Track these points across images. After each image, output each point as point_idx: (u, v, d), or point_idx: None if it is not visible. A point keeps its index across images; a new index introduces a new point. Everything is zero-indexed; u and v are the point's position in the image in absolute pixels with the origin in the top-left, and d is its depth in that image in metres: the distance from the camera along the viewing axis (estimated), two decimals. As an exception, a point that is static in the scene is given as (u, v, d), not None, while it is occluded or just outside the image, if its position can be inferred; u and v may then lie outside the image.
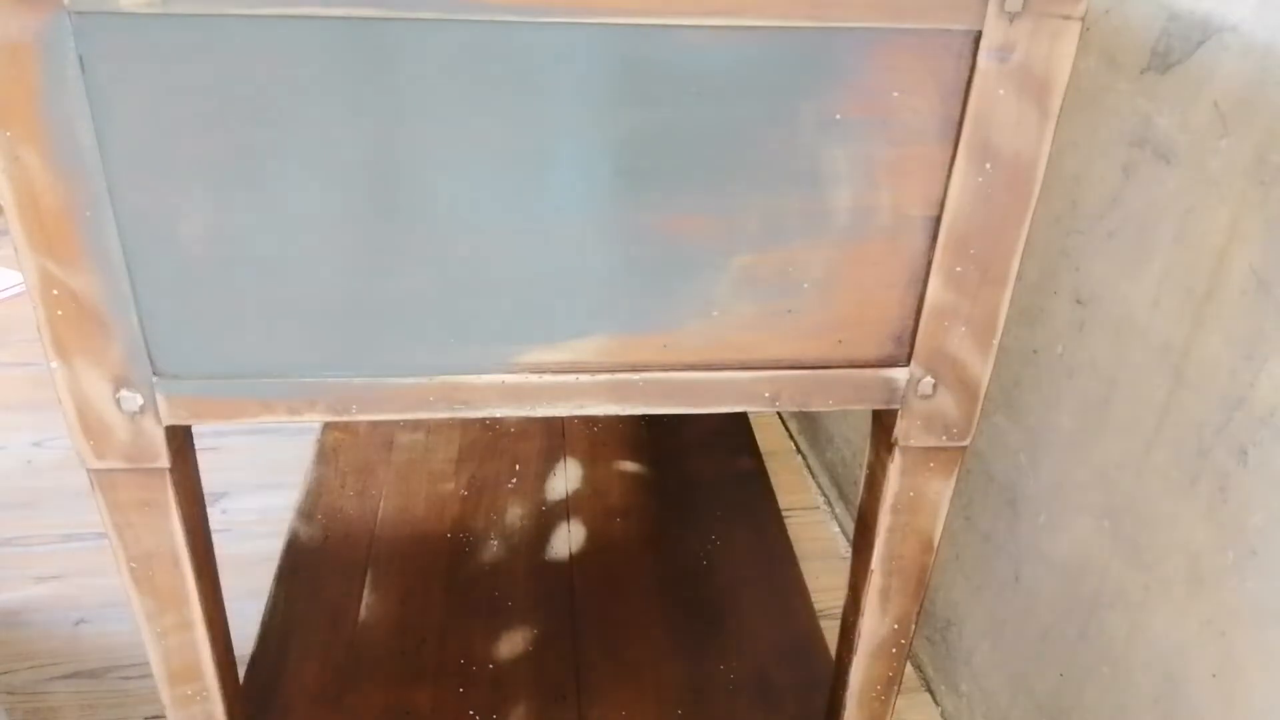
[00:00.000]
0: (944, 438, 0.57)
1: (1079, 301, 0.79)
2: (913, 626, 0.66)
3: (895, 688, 0.69)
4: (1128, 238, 0.73)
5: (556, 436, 1.12)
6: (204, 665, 0.62)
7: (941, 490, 0.60)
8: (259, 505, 1.27)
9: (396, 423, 1.13)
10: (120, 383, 0.51)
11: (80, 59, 0.44)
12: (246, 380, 0.52)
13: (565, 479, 1.05)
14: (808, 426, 1.40)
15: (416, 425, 1.13)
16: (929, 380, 0.55)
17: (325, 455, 1.08)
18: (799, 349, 0.54)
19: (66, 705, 1.01)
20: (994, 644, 0.94)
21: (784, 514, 1.04)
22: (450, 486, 1.04)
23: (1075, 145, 0.78)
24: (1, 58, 0.43)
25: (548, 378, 0.54)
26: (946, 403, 0.56)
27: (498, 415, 0.55)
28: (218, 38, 0.44)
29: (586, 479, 1.05)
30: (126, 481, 0.54)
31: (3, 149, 0.45)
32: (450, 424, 1.13)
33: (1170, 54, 0.68)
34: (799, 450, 1.41)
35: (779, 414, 1.48)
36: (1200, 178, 0.66)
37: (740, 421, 1.15)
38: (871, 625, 0.65)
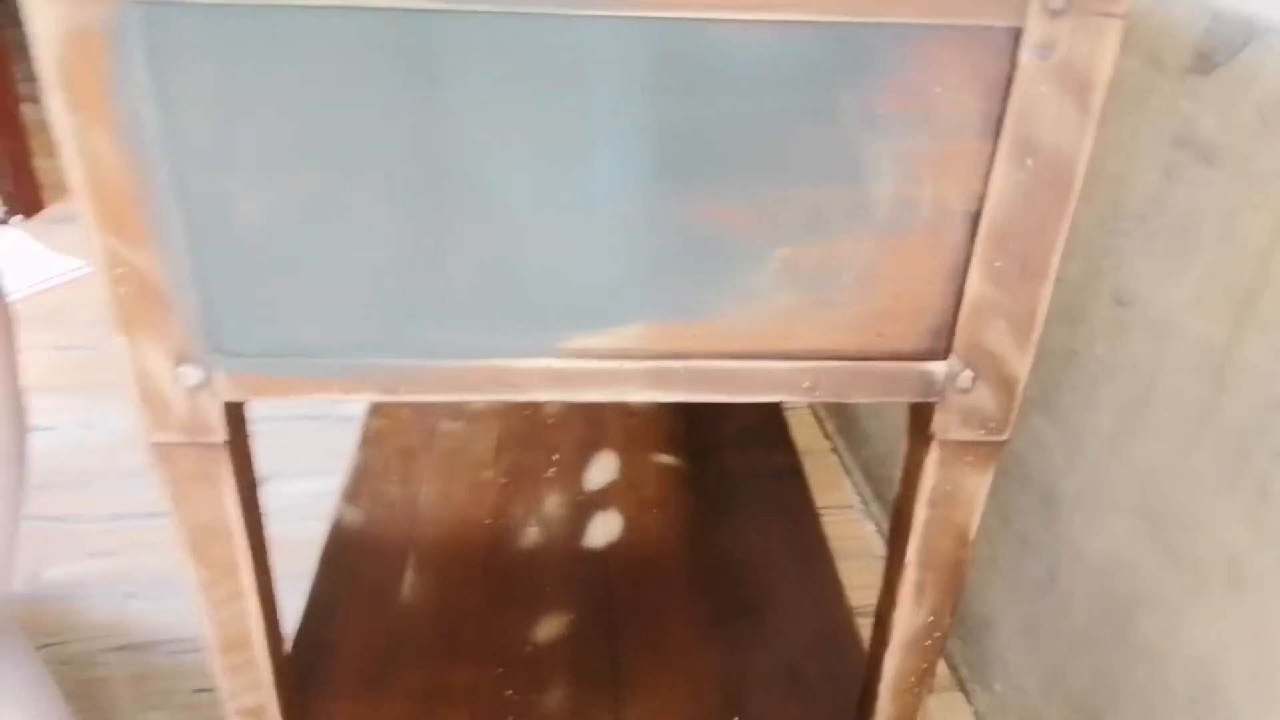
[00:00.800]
0: (982, 432, 0.58)
1: (1120, 302, 0.79)
2: (948, 620, 0.66)
3: (928, 681, 0.69)
4: (1169, 239, 0.73)
5: (595, 427, 1.13)
6: (254, 635, 0.64)
7: (978, 484, 0.60)
8: (304, 490, 1.29)
9: (438, 411, 1.15)
10: (180, 358, 0.53)
11: (149, 46, 0.46)
12: (301, 359, 0.54)
13: (602, 470, 1.07)
14: (844, 426, 1.41)
15: (458, 414, 1.15)
16: (968, 374, 0.56)
17: (369, 441, 1.10)
18: (838, 340, 0.55)
19: (116, 677, 1.04)
20: (1028, 644, 0.94)
21: (819, 512, 1.05)
22: (490, 474, 1.06)
23: (1118, 146, 0.78)
24: (74, 46, 0.45)
25: (591, 363, 0.55)
26: (984, 397, 0.57)
27: (542, 399, 0.56)
28: (278, 28, 0.46)
29: (623, 470, 1.07)
30: (184, 455, 0.57)
31: (74, 133, 0.47)
32: (490, 413, 1.15)
33: (1214, 55, 0.68)
34: (835, 449, 1.41)
35: (815, 414, 1.49)
36: (1243, 179, 0.66)
37: (776, 418, 1.16)
38: (905, 618, 0.66)
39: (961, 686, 1.05)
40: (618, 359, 0.55)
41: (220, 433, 0.56)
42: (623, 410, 1.17)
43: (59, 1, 0.44)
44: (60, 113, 0.46)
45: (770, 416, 1.16)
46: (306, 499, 1.28)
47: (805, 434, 1.43)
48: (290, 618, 0.85)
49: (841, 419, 1.42)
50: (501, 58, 0.47)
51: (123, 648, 1.07)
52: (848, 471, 1.36)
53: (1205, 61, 0.70)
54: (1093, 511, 0.83)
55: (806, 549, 0.97)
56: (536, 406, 1.17)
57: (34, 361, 1.58)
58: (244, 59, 0.47)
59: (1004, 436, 0.58)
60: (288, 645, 0.81)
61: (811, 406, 1.50)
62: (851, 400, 0.56)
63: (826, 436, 1.44)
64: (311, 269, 0.52)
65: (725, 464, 1.09)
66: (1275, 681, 0.65)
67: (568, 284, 0.53)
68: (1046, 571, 0.90)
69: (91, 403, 1.47)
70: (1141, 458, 0.77)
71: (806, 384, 0.56)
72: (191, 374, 0.54)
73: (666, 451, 1.10)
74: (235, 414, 0.57)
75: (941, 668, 1.07)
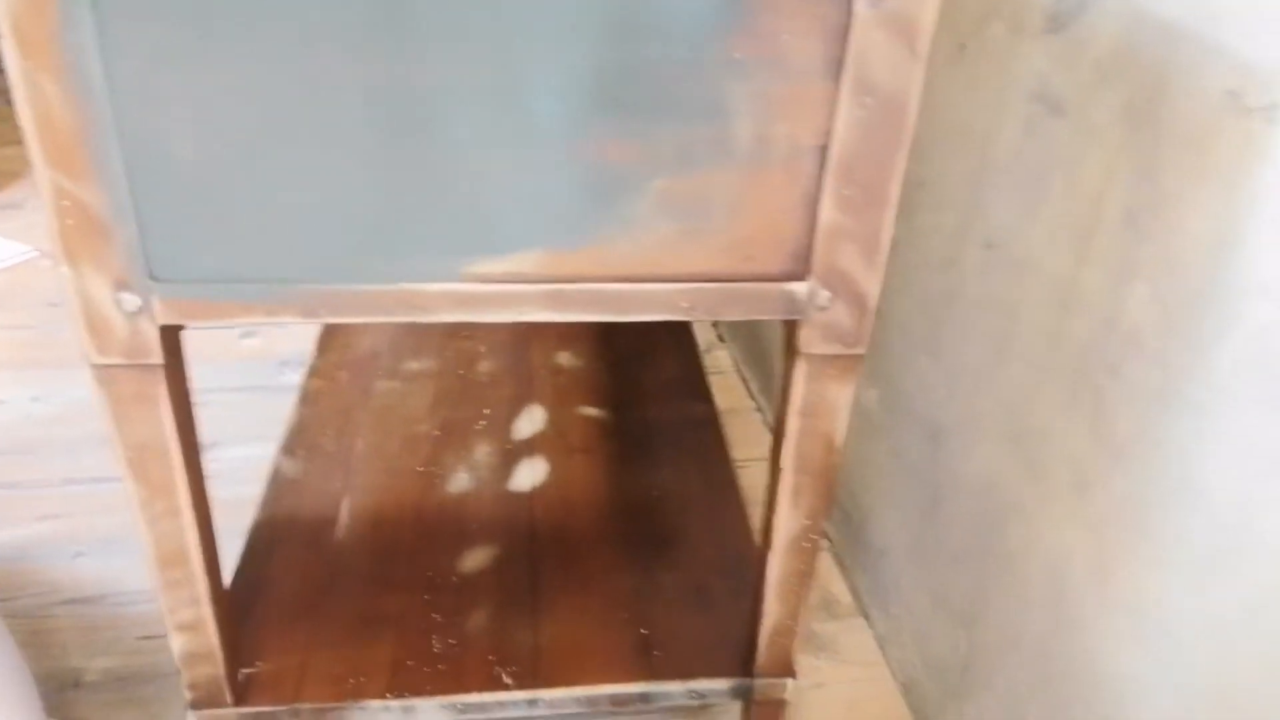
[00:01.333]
0: (840, 346, 0.66)
1: (988, 246, 0.87)
2: (822, 523, 0.74)
3: (809, 580, 0.77)
4: (1028, 185, 0.82)
5: (524, 385, 1.20)
6: (190, 550, 0.70)
7: (840, 395, 0.68)
8: (246, 455, 1.34)
9: (375, 372, 1.21)
10: (120, 285, 0.59)
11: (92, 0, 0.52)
12: (230, 285, 0.60)
13: (531, 421, 1.14)
14: (766, 386, 1.48)
15: (393, 374, 1.21)
16: (825, 293, 0.63)
17: (308, 400, 1.16)
18: (712, 264, 0.62)
19: (66, 628, 1.09)
20: (918, 567, 1.02)
21: (741, 464, 1.12)
22: (423, 428, 1.12)
23: (986, 105, 0.86)
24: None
25: (492, 286, 0.62)
26: (841, 313, 0.64)
27: (449, 320, 0.63)
28: (206, -18, 0.52)
29: (550, 421, 1.14)
30: (125, 377, 0.62)
31: (25, 77, 0.53)
32: (425, 374, 1.21)
33: (1061, 17, 0.77)
34: (759, 408, 1.49)
35: (740, 375, 1.56)
36: (1084, 127, 0.75)
37: (695, 370, 1.24)
38: (785, 521, 0.73)
39: (864, 613, 1.13)
40: (517, 283, 0.62)
41: (157, 355, 0.62)
42: (552, 369, 1.24)
43: (6, -44, 0.50)
44: (12, 59, 0.52)
45: (689, 369, 1.24)
46: (247, 463, 1.33)
47: (732, 395, 1.51)
48: (230, 568, 0.90)
49: (764, 380, 1.50)
50: (407, 7, 0.54)
51: (71, 601, 1.12)
52: (769, 428, 1.44)
53: (1054, 23, 0.78)
54: (968, 438, 0.92)
55: (717, 487, 1.05)
56: (470, 366, 1.23)
57: (-19, 340, 1.62)
58: (177, 11, 0.53)
59: (860, 350, 0.66)
60: (227, 581, 0.87)
61: (737, 369, 1.58)
62: (726, 318, 0.63)
63: (751, 396, 1.52)
64: (237, 203, 0.58)
65: (647, 414, 1.16)
66: (1111, 572, 0.73)
67: (470, 214, 0.60)
68: (931, 498, 0.98)
69: (39, 378, 1.51)
70: (1006, 384, 0.85)
71: (685, 304, 0.63)
72: (130, 300, 0.60)
73: (592, 404, 1.17)
74: (171, 338, 0.63)
75: (846, 596, 1.15)
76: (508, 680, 0.84)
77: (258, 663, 0.83)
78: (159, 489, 0.67)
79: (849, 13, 0.55)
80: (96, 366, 0.62)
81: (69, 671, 1.04)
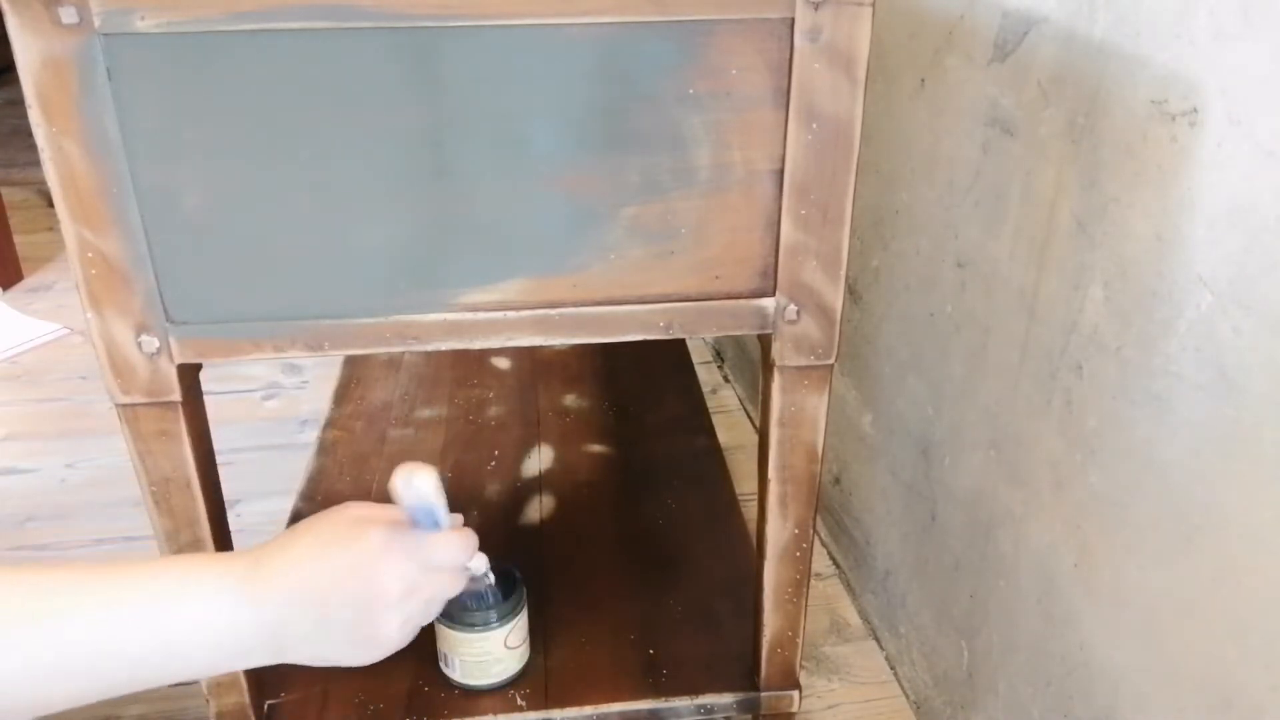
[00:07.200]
0: (812, 357, 0.70)
1: (959, 265, 0.92)
2: (810, 533, 0.77)
3: (804, 589, 0.80)
4: (989, 204, 0.86)
5: (532, 427, 1.24)
6: (214, 580, 0.74)
7: (817, 405, 0.72)
8: (268, 509, 1.39)
9: (388, 421, 1.26)
10: (141, 329, 0.64)
11: (108, 69, 0.58)
12: (241, 324, 0.65)
13: (539, 460, 1.18)
14: (771, 421, 1.52)
15: (406, 422, 1.26)
16: (793, 307, 0.68)
17: (325, 449, 1.21)
18: (684, 284, 0.67)
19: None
20: (921, 583, 1.04)
21: (744, 500, 1.15)
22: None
23: (948, 132, 0.91)
24: (49, 70, 0.57)
25: (482, 315, 0.67)
26: (810, 326, 0.69)
27: (443, 349, 0.67)
28: (210, 49, 0.58)
29: (558, 459, 1.18)
30: (147, 414, 0.67)
31: (49, 140, 0.59)
32: (437, 420, 1.26)
33: (1006, 45, 0.82)
34: (765, 444, 1.52)
35: (746, 413, 1.60)
36: (1033, 144, 0.79)
37: (698, 407, 1.28)
38: (775, 530, 0.77)
39: (874, 635, 1.15)
40: (503, 310, 0.67)
41: (176, 393, 0.67)
42: (559, 411, 1.28)
43: (37, 36, 0.56)
44: (38, 123, 0.58)
45: (692, 407, 1.28)
46: (270, 517, 1.38)
47: (737, 431, 1.55)
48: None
49: (769, 416, 1.53)
50: (393, 66, 0.59)
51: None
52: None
53: (1000, 51, 0.83)
54: (956, 450, 0.95)
55: (719, 514, 1.08)
56: (480, 412, 1.28)
57: (17, 414, 1.68)
58: (183, 76, 0.59)
59: (830, 360, 0.70)
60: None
61: (742, 407, 1.62)
62: (701, 335, 0.68)
63: (756, 431, 1.55)
64: (244, 250, 0.64)
65: (651, 449, 1.20)
66: (1093, 566, 0.76)
67: (458, 250, 0.65)
68: (928, 514, 1.01)
69: (70, 446, 1.57)
70: (986, 395, 0.89)
71: (662, 323, 0.68)
72: (150, 341, 0.65)
73: (597, 442, 1.22)
74: (188, 376, 0.68)
75: (855, 619, 1.18)
76: (521, 702, 0.87)
77: (282, 694, 0.87)
78: (182, 521, 0.72)
79: (791, 47, 0.60)
80: (121, 406, 0.67)
81: (105, 718, 1.08)
